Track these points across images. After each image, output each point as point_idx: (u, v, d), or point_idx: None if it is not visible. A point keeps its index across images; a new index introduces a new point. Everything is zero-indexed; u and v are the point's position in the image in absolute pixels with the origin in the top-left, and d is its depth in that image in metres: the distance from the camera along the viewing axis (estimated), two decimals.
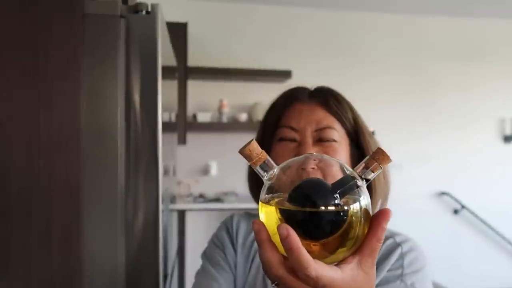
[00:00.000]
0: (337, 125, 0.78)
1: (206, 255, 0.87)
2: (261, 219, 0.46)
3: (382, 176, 0.78)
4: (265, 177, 0.47)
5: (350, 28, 3.63)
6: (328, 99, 0.80)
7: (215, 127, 3.26)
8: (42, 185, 0.67)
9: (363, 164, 0.45)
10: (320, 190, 0.42)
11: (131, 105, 0.72)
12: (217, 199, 3.16)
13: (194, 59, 3.19)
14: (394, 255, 0.75)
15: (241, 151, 0.46)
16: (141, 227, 0.73)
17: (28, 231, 0.67)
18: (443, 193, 3.65)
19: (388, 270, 0.73)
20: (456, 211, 3.66)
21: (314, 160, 0.49)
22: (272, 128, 0.81)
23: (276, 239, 0.42)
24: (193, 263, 3.13)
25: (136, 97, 0.73)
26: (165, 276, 0.87)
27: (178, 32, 2.95)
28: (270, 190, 0.47)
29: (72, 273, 0.67)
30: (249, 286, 0.81)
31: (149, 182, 0.73)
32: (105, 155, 0.69)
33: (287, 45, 3.53)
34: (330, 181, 0.44)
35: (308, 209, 0.41)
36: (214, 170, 3.36)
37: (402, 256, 0.75)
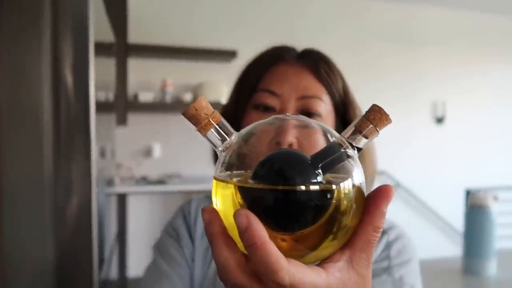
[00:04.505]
0: (325, 96, 0.67)
1: (158, 248, 0.73)
2: (214, 205, 0.35)
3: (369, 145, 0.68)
4: (219, 147, 0.36)
5: (295, 8, 3.65)
6: (318, 64, 0.69)
7: (158, 107, 3.17)
8: None
9: (354, 128, 0.34)
10: (296, 163, 0.32)
11: (60, 82, 0.67)
12: (160, 182, 3.10)
13: (135, 36, 3.05)
14: (379, 244, 0.65)
15: (185, 112, 0.34)
16: (73, 211, 0.69)
17: None
18: (381, 172, 3.84)
19: (373, 262, 0.63)
20: None
21: (289, 123, 0.38)
22: (248, 92, 0.68)
23: (235, 232, 0.31)
24: (135, 247, 3.07)
25: (67, 74, 0.68)
26: (101, 261, 0.83)
27: (117, 6, 2.80)
28: (227, 165, 0.35)
29: None
30: (209, 281, 0.69)
31: (81, 164, 0.69)
32: (28, 135, 0.64)
33: (235, 24, 3.48)
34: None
35: (280, 187, 0.31)
36: (157, 152, 3.28)
37: (388, 246, 0.66)
